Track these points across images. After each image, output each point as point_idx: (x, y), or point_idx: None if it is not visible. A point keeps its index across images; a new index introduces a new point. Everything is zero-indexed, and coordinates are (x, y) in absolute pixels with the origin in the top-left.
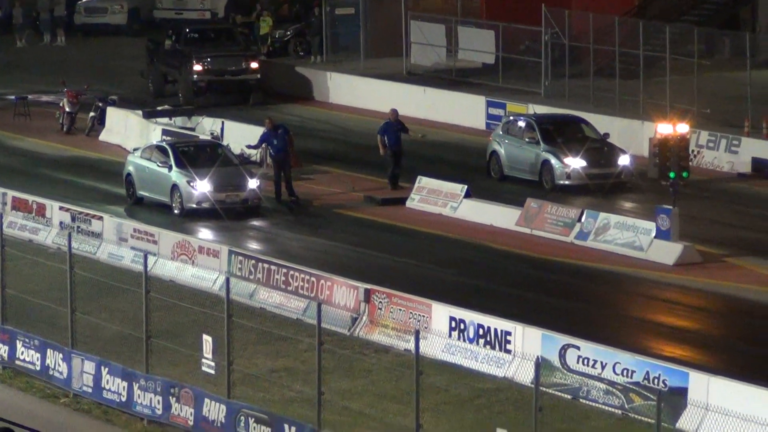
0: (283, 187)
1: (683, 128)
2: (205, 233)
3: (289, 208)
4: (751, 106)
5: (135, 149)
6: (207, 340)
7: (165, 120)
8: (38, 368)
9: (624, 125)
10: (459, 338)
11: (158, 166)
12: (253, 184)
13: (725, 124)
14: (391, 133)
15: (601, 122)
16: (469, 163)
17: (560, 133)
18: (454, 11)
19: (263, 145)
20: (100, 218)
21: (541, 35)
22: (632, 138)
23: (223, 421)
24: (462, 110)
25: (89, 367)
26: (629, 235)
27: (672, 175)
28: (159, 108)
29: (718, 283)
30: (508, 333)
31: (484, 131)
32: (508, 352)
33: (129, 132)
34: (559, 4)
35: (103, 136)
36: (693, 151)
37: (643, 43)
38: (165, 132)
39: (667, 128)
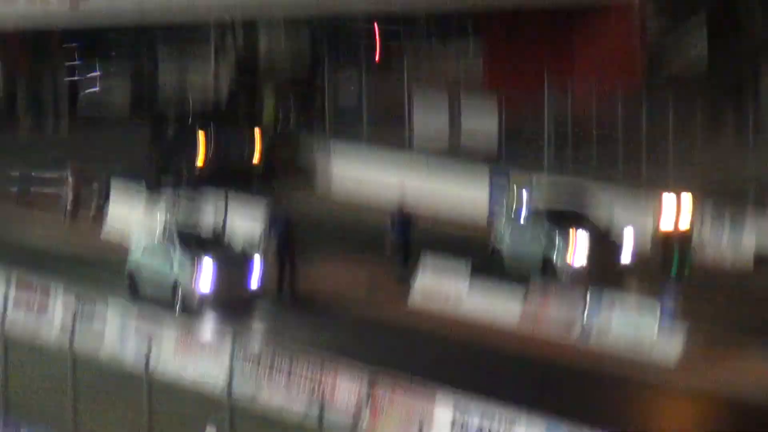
0: (287, 277)
1: (686, 218)
2: (209, 328)
3: (292, 299)
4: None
5: (138, 243)
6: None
7: (169, 209)
8: None
9: (629, 205)
10: (462, 429)
11: (161, 260)
12: (256, 275)
13: (731, 213)
14: (399, 225)
15: (604, 201)
16: (474, 251)
17: (564, 226)
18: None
19: (267, 235)
20: (104, 312)
21: (544, 107)
22: (636, 224)
23: None
24: (465, 182)
25: None
26: (632, 331)
27: (675, 268)
28: (163, 197)
29: (724, 380)
30: (512, 423)
31: (486, 206)
32: None
33: (132, 224)
34: (563, 73)
35: (107, 223)
36: (695, 241)
37: (647, 115)
38: (168, 224)
39: (672, 218)
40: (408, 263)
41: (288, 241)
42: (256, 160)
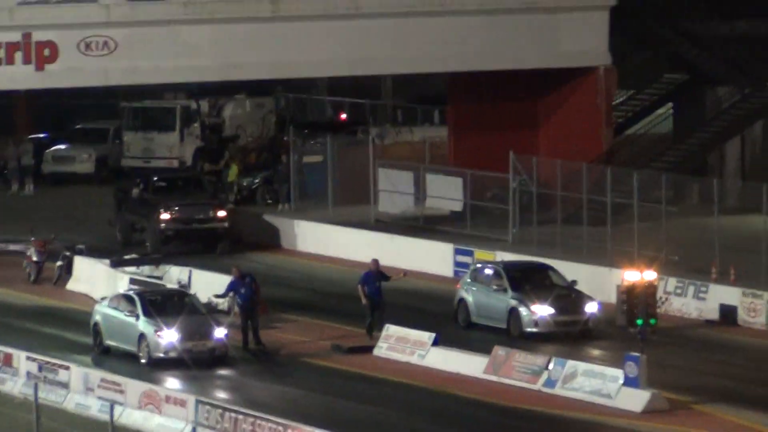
0: (251, 336)
1: (651, 275)
2: (173, 382)
3: (256, 357)
4: (719, 251)
5: (102, 298)
6: None
7: (132, 269)
8: None
9: (592, 272)
10: None
11: (125, 315)
12: (220, 333)
13: (693, 271)
14: (372, 284)
15: (569, 269)
16: (437, 311)
17: (528, 281)
18: (421, 159)
19: (231, 294)
20: (67, 368)
21: (509, 182)
22: (600, 285)
23: None
24: (430, 258)
25: None
26: (597, 383)
27: (640, 322)
28: (126, 257)
29: (686, 430)
30: None
31: (452, 279)
32: None
33: (96, 281)
34: (527, 152)
35: (71, 286)
36: (661, 297)
37: (612, 190)
38: (132, 281)
39: (634, 275)
40: (378, 316)
41: (252, 296)
42: (219, 220)
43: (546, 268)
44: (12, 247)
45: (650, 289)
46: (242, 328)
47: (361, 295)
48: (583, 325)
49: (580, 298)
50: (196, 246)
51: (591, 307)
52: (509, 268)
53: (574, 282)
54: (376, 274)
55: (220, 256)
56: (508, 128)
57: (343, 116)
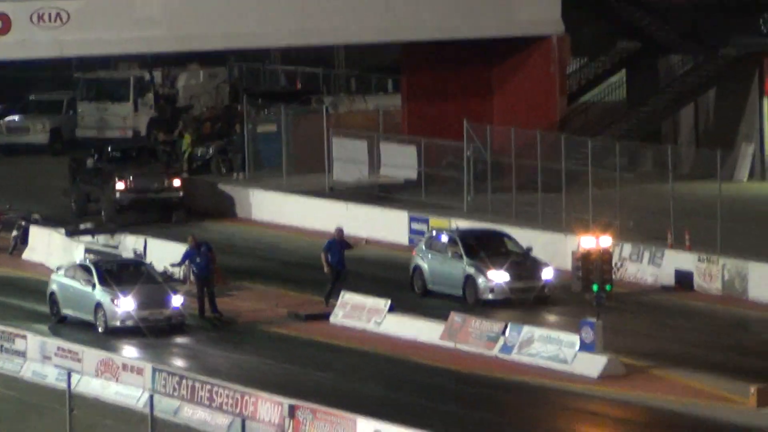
0: (207, 304)
1: (606, 241)
2: (129, 351)
3: (212, 325)
4: (673, 218)
5: (58, 268)
6: None
7: (88, 238)
8: None
9: (547, 239)
10: None
11: (82, 284)
12: (176, 301)
13: (648, 237)
14: (335, 252)
15: (524, 236)
16: (393, 278)
17: (483, 248)
18: (375, 127)
19: (186, 263)
20: (24, 337)
21: (464, 150)
22: (555, 251)
23: None
24: (385, 226)
25: None
26: (553, 348)
27: (595, 287)
28: (82, 226)
29: (643, 394)
30: None
31: (407, 246)
32: None
33: (52, 250)
34: (482, 120)
35: (26, 255)
36: (616, 264)
37: (566, 157)
38: (88, 250)
39: (589, 241)
40: (339, 285)
41: (208, 265)
42: (174, 190)
43: (501, 235)
44: None
45: (605, 255)
46: (198, 297)
47: (324, 263)
48: (538, 292)
49: (536, 264)
50: (151, 215)
51: (547, 274)
52: (464, 235)
53: (529, 249)
54: (339, 243)
55: (175, 225)
56: (462, 96)
57: (298, 85)
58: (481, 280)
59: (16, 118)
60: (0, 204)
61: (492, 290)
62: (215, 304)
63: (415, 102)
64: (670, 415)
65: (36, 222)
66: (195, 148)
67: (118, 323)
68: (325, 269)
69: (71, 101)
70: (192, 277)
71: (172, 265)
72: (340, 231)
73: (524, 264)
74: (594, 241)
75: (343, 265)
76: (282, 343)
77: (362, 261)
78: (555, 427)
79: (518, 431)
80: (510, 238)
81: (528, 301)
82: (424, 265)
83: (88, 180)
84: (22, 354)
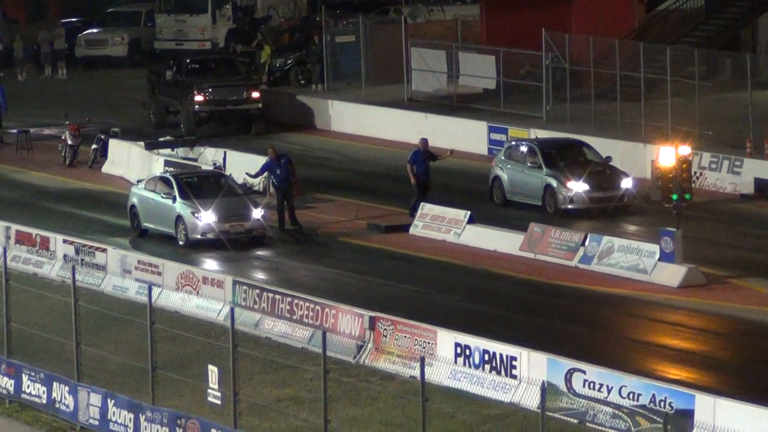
0: (287, 216)
1: (685, 150)
2: (210, 264)
3: (292, 237)
4: (752, 126)
5: (138, 181)
6: (212, 370)
7: (167, 151)
8: (44, 401)
9: (626, 148)
10: (464, 364)
11: (162, 197)
12: (257, 213)
13: (727, 145)
14: (420, 163)
15: (603, 145)
16: (472, 189)
17: (563, 158)
18: (454, 37)
19: (265, 174)
20: (104, 250)
21: (542, 60)
22: (634, 161)
23: None
24: (464, 136)
25: (95, 399)
26: (633, 258)
27: (675, 197)
28: (161, 139)
29: (723, 304)
30: (514, 358)
31: (486, 156)
32: (514, 377)
33: (131, 164)
34: (560, 29)
35: (106, 168)
36: (695, 173)
37: (644, 66)
38: (167, 163)
39: (669, 150)
40: (425, 197)
41: (287, 177)
42: (253, 101)
43: (581, 145)
44: (47, 131)
45: (685, 164)
46: (278, 209)
47: (410, 174)
48: (618, 201)
49: (615, 174)
50: (230, 127)
51: (626, 183)
52: (544, 145)
53: (608, 158)
54: (424, 154)
55: (254, 137)
56: (540, 5)
57: None
58: (560, 190)
59: (94, 30)
60: (79, 118)
61: (572, 200)
62: (295, 215)
63: (493, 11)
64: (749, 325)
65: (115, 135)
66: (274, 60)
67: (198, 236)
68: (412, 180)
69: (149, 13)
70: (271, 189)
71: (249, 175)
72: (425, 142)
73: (604, 173)
74: (673, 151)
75: (428, 176)
76: (362, 255)
77: (441, 172)
78: (635, 337)
79: (598, 341)
80: (589, 147)
81: (608, 210)
82: (504, 176)
83: (167, 92)
84: (102, 268)
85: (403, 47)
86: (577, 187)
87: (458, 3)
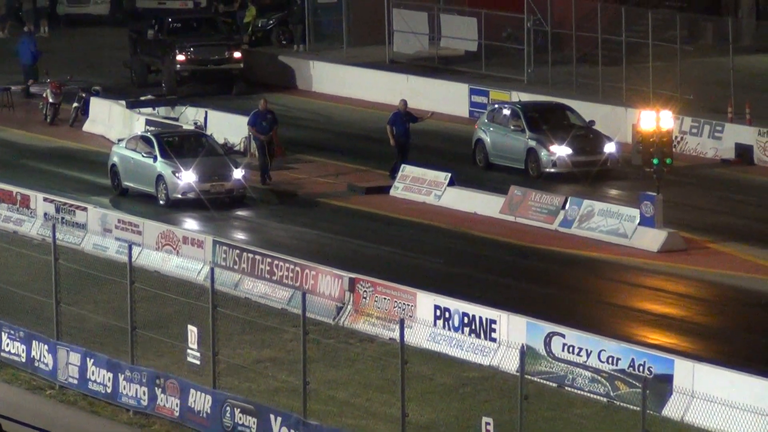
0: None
1: (666, 114)
2: (190, 223)
3: (271, 192)
4: (734, 91)
5: (119, 140)
6: (192, 330)
7: (148, 110)
8: (24, 360)
9: (607, 112)
10: (444, 327)
11: (143, 156)
12: (237, 174)
13: (708, 110)
14: (400, 124)
15: (584, 109)
16: (454, 151)
17: (546, 121)
18: None
19: (251, 128)
20: (85, 209)
21: (524, 22)
22: (616, 125)
23: (209, 411)
24: (445, 98)
25: (74, 358)
26: (613, 222)
27: (655, 161)
28: (142, 98)
29: (703, 269)
30: (493, 321)
31: (468, 119)
32: (493, 340)
33: (113, 122)
34: None
35: (87, 127)
36: (676, 137)
37: (626, 30)
38: (149, 122)
39: (650, 114)
40: (405, 159)
41: (270, 129)
42: (234, 61)
43: (564, 108)
44: (30, 88)
45: (665, 128)
46: (261, 164)
47: (390, 136)
48: (601, 165)
49: (599, 138)
50: (212, 87)
51: (609, 147)
52: (527, 108)
53: (592, 122)
54: (404, 115)
55: (235, 97)
56: None
57: None
58: (543, 153)
59: None
60: (60, 76)
61: (554, 163)
62: (267, 170)
63: None
64: (729, 290)
65: (96, 94)
66: (256, 20)
67: (179, 195)
68: (392, 142)
69: None
70: (252, 149)
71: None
72: (404, 103)
73: (587, 137)
74: (654, 115)
75: (408, 137)
76: (342, 217)
77: (423, 134)
78: (614, 301)
79: (577, 305)
80: (573, 111)
81: (590, 174)
82: (486, 138)
83: (149, 51)
84: (82, 226)
85: (385, 8)
86: (560, 150)
87: None
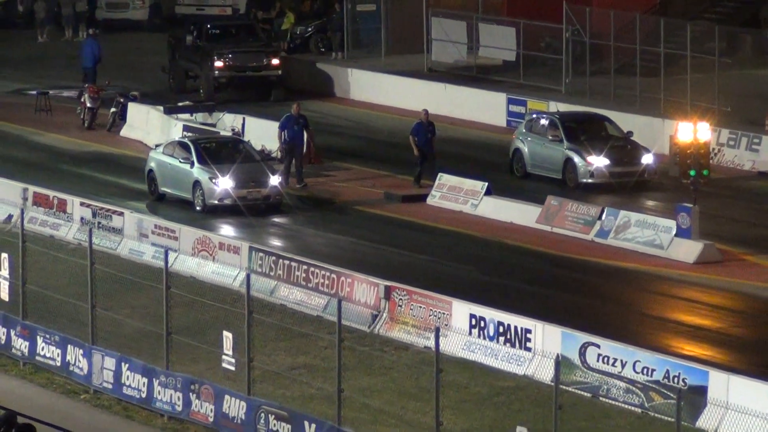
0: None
1: (704, 126)
2: (227, 230)
3: (299, 199)
4: None
5: (157, 145)
6: (227, 336)
7: (186, 116)
8: (59, 364)
9: (645, 123)
10: (479, 336)
11: (180, 162)
12: (274, 180)
13: (746, 122)
14: (422, 134)
15: (622, 120)
16: (491, 161)
17: (584, 131)
18: (474, 8)
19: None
20: (121, 214)
21: (563, 32)
22: (653, 136)
23: (243, 417)
24: (483, 107)
25: (109, 363)
26: (650, 233)
27: (692, 173)
28: (180, 104)
29: (738, 281)
30: (529, 331)
31: (505, 128)
32: (528, 350)
33: (150, 128)
34: (581, 1)
35: (125, 132)
36: (714, 149)
37: (664, 41)
38: (186, 128)
39: (687, 126)
40: (427, 166)
41: (300, 135)
42: (273, 68)
43: (602, 119)
44: (66, 93)
45: (703, 140)
46: (285, 166)
47: (413, 145)
48: (638, 176)
49: (636, 149)
50: (250, 94)
51: (647, 159)
52: (565, 118)
53: (630, 133)
54: (426, 125)
55: (273, 104)
56: None
57: None
58: (581, 164)
59: None
60: (99, 80)
61: (592, 174)
62: (302, 175)
63: None
64: (764, 302)
65: (134, 99)
66: (294, 27)
67: (216, 201)
68: (415, 152)
69: None
70: (280, 147)
71: (272, 141)
72: (426, 113)
73: (624, 148)
74: (692, 127)
75: (431, 146)
76: (379, 224)
77: (460, 142)
78: (649, 312)
79: (612, 315)
80: (611, 122)
81: (628, 185)
82: (524, 148)
83: (187, 57)
84: (119, 231)
85: (424, 17)
86: (598, 161)
87: None
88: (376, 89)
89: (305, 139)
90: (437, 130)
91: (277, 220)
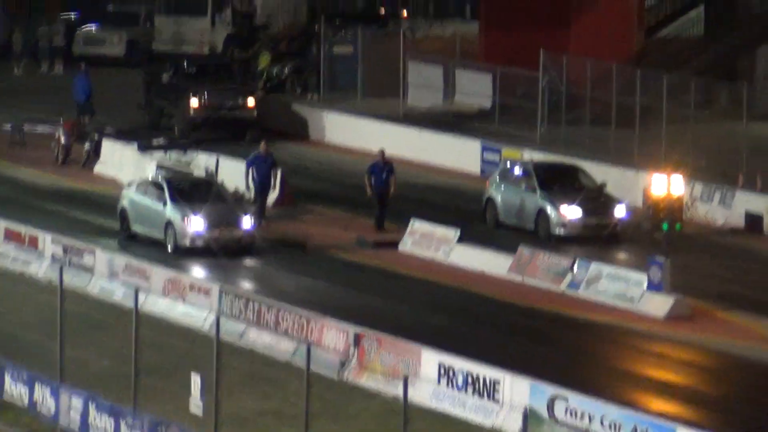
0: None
1: (677, 179)
2: (198, 271)
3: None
4: (746, 158)
5: (130, 183)
6: (195, 380)
7: (160, 154)
8: (26, 403)
9: (618, 174)
10: (447, 385)
11: (153, 201)
12: (247, 222)
13: (720, 177)
14: (378, 174)
15: (595, 170)
16: (464, 208)
17: (558, 181)
18: (452, 53)
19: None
20: (92, 252)
21: (539, 80)
22: (626, 187)
23: None
24: (457, 154)
25: (77, 402)
26: (621, 287)
27: (665, 226)
28: (154, 142)
29: (709, 337)
30: (497, 382)
31: (479, 176)
32: (497, 401)
33: (124, 165)
34: (558, 50)
35: (98, 169)
36: (686, 203)
37: (641, 92)
38: (160, 166)
39: (661, 179)
40: (385, 209)
41: (268, 175)
42: (248, 108)
43: (576, 170)
44: (41, 127)
45: (676, 194)
46: (258, 208)
47: (367, 185)
48: (611, 229)
49: (610, 200)
50: (225, 133)
51: (620, 211)
52: (539, 167)
53: (603, 184)
54: (383, 165)
55: (248, 144)
56: (539, 25)
57: (382, 11)
58: (553, 215)
59: (93, 28)
60: (74, 116)
61: (564, 225)
62: (263, 214)
63: (492, 29)
64: (734, 359)
65: (109, 135)
66: (271, 67)
67: (187, 242)
68: (368, 192)
69: (149, 14)
70: (250, 185)
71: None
72: (382, 153)
73: (598, 200)
74: (665, 180)
75: (387, 186)
76: (350, 270)
77: (433, 189)
78: (619, 366)
79: (582, 369)
80: (585, 172)
81: (600, 237)
82: (497, 197)
83: (163, 95)
84: (89, 269)
85: (401, 61)
86: (571, 212)
87: (458, 19)
88: (352, 132)
89: (278, 180)
90: (410, 175)
91: (248, 262)
